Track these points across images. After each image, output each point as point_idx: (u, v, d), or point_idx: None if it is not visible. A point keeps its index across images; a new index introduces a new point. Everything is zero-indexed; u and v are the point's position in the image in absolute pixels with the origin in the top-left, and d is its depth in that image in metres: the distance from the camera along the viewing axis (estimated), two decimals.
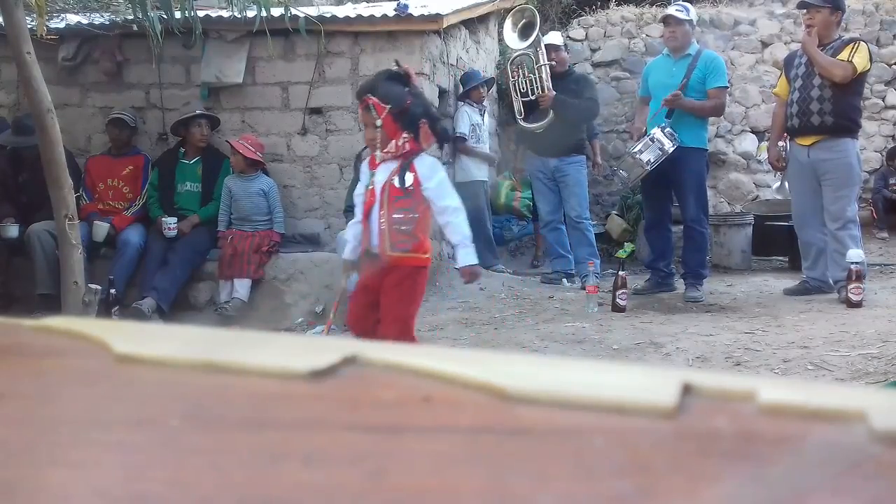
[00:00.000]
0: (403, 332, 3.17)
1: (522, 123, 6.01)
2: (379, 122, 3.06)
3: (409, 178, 3.11)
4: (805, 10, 5.16)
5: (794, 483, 0.32)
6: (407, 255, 3.16)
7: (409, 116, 3.09)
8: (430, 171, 3.16)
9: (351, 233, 3.30)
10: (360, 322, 3.24)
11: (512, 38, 6.03)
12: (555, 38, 6.34)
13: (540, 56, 5.89)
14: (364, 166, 3.27)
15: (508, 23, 6.08)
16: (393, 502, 0.32)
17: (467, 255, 3.23)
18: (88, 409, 0.42)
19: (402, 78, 3.16)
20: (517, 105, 5.99)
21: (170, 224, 5.54)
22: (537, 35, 5.92)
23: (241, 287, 5.41)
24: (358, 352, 0.45)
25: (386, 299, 3.18)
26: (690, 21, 5.44)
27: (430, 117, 3.17)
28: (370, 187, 3.17)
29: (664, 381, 0.40)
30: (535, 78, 5.86)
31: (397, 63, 3.34)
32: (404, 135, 3.09)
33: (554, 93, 5.80)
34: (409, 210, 3.15)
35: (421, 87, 3.35)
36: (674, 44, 5.46)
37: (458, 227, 3.21)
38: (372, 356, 0.44)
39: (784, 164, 5.38)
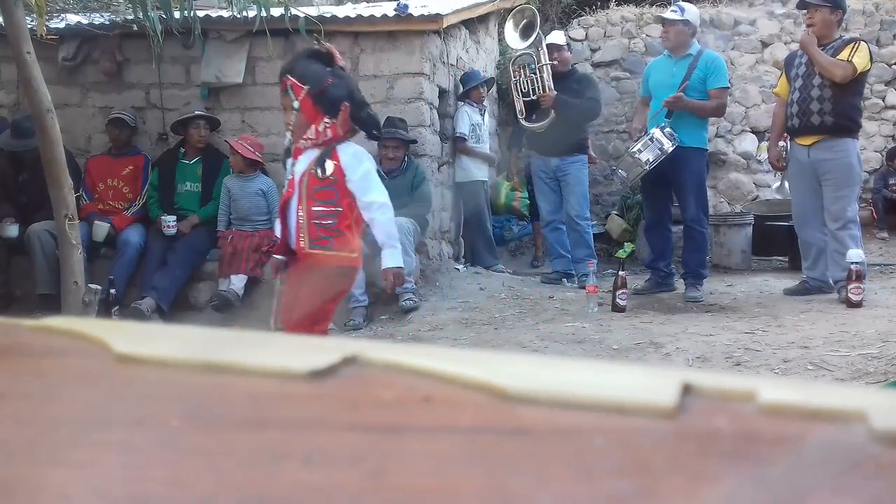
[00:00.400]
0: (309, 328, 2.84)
1: (524, 123, 6.00)
2: (297, 105, 2.80)
3: (329, 167, 2.84)
4: (805, 10, 5.16)
5: (794, 483, 0.32)
6: (329, 254, 2.87)
7: (330, 99, 2.82)
8: (355, 160, 2.88)
9: (277, 230, 3.05)
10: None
11: (513, 37, 6.02)
12: (557, 37, 6.32)
13: (542, 55, 5.87)
14: (289, 157, 2.99)
15: (510, 23, 6.08)
16: (393, 502, 0.32)
17: (392, 257, 2.94)
18: (88, 409, 0.42)
19: (324, 57, 2.90)
20: (518, 105, 5.97)
21: (169, 222, 5.54)
22: (538, 35, 5.91)
23: (237, 281, 5.40)
24: (358, 352, 0.45)
25: (300, 295, 2.90)
26: (685, 21, 5.40)
27: (354, 101, 2.88)
28: (290, 178, 2.91)
29: (664, 381, 0.40)
30: (537, 77, 5.85)
31: (318, 40, 3.06)
32: (325, 119, 2.82)
33: (555, 92, 5.79)
34: (330, 202, 2.86)
35: (345, 68, 3.08)
36: (667, 44, 5.47)
37: (383, 225, 2.92)
38: (372, 356, 0.44)
39: (784, 165, 5.38)
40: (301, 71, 2.84)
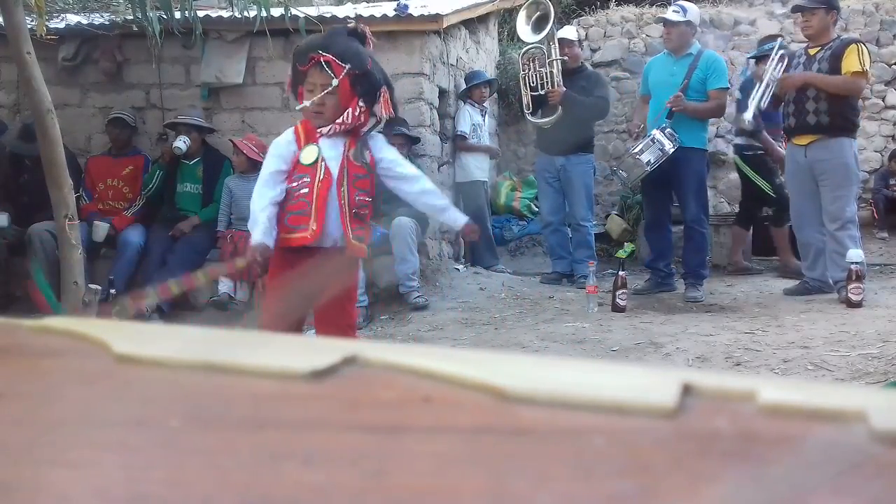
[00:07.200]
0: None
1: (529, 118, 5.90)
2: (335, 84, 2.58)
3: (366, 156, 2.71)
4: (801, 14, 5.17)
5: (794, 483, 0.32)
6: (361, 245, 2.75)
7: (370, 82, 2.65)
8: (384, 145, 2.82)
9: (268, 213, 2.65)
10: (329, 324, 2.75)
11: (525, 30, 5.86)
12: (569, 32, 6.18)
13: (552, 50, 5.76)
14: (288, 141, 2.72)
15: (522, 14, 5.91)
16: (393, 502, 0.32)
17: (460, 214, 2.93)
18: (88, 409, 0.42)
19: (360, 37, 2.71)
20: (525, 99, 5.83)
21: (183, 139, 5.54)
22: (551, 28, 5.77)
23: (223, 285, 5.40)
24: (358, 352, 0.45)
25: (336, 301, 2.73)
26: (688, 22, 5.40)
27: (390, 86, 2.74)
28: (316, 163, 2.66)
29: (664, 381, 0.40)
30: (546, 72, 5.74)
31: (353, 21, 2.90)
32: (360, 104, 2.65)
33: (563, 89, 5.69)
34: (367, 193, 2.75)
35: (373, 51, 2.83)
36: (670, 45, 5.47)
37: (434, 189, 2.88)
38: (372, 356, 0.44)
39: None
40: (342, 48, 2.62)
